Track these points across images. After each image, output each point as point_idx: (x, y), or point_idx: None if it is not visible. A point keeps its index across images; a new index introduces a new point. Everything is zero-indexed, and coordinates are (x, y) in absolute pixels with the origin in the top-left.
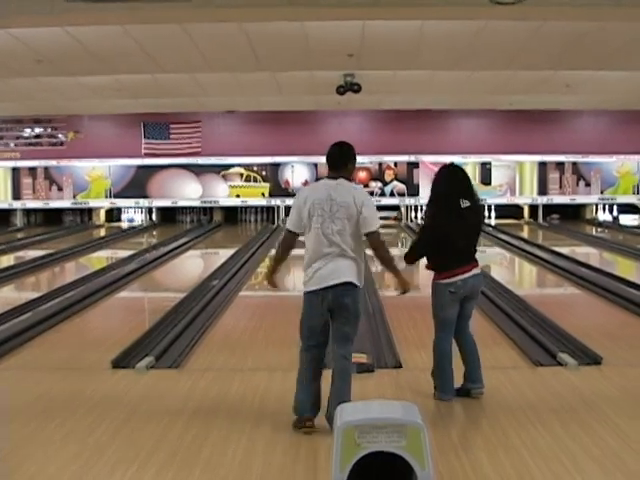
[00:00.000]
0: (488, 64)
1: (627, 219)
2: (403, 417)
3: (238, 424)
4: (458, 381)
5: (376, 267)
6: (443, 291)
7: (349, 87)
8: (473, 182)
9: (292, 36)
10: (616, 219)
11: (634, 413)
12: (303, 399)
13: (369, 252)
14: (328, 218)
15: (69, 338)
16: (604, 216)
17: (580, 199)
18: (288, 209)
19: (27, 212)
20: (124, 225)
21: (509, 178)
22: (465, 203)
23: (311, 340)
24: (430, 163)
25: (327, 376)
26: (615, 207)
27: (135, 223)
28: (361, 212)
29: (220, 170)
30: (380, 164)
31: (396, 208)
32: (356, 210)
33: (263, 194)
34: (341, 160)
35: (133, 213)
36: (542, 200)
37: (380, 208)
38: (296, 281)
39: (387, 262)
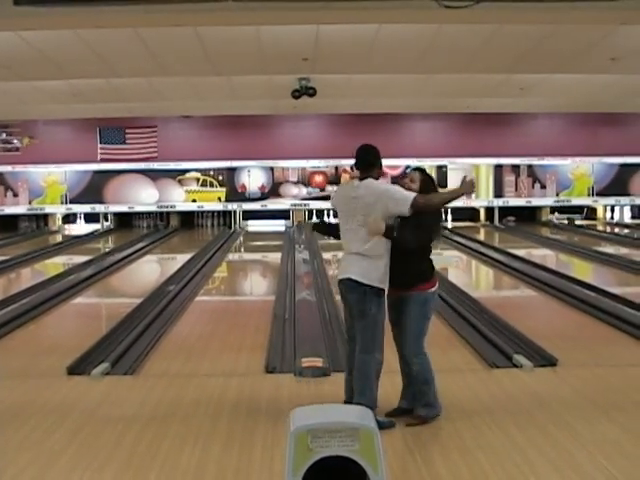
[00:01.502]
0: (443, 68)
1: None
2: (356, 421)
3: (193, 429)
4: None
5: (333, 270)
6: (433, 300)
7: (304, 91)
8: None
9: (246, 40)
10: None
11: (589, 415)
12: (345, 389)
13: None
14: (346, 216)
15: (23, 345)
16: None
17: (536, 201)
18: (244, 213)
19: None
20: (81, 231)
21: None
22: None
23: (349, 331)
24: (386, 167)
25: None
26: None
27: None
28: (386, 203)
29: (176, 175)
30: (336, 167)
31: None
32: (378, 204)
33: (220, 199)
34: (364, 161)
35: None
36: (498, 202)
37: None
38: (253, 286)
39: (447, 200)
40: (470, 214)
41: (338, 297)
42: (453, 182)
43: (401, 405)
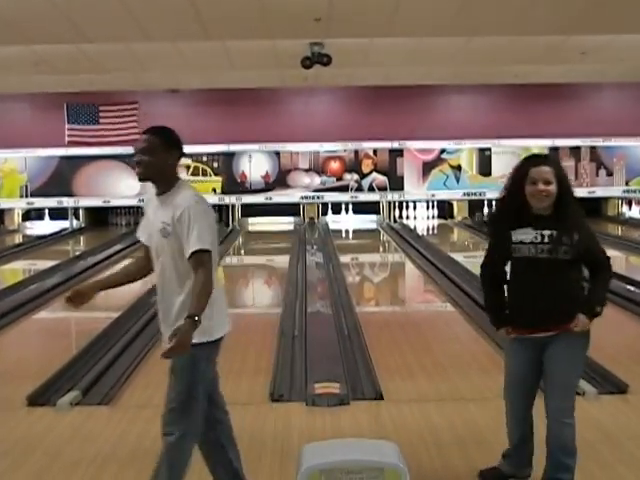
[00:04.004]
0: (485, 28)
1: None
2: (380, 459)
3: None
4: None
5: (352, 276)
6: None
7: (317, 59)
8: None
9: None
10: None
11: None
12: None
13: None
14: None
15: None
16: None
17: (600, 191)
18: (245, 208)
19: None
20: (45, 230)
21: (513, 168)
22: None
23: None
24: (417, 151)
25: None
26: None
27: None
28: None
29: None
30: (356, 152)
31: (376, 204)
32: None
33: (214, 190)
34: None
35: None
36: None
37: (358, 205)
38: (256, 296)
39: None
40: None
41: (358, 309)
42: (498, 169)
43: (502, 469)
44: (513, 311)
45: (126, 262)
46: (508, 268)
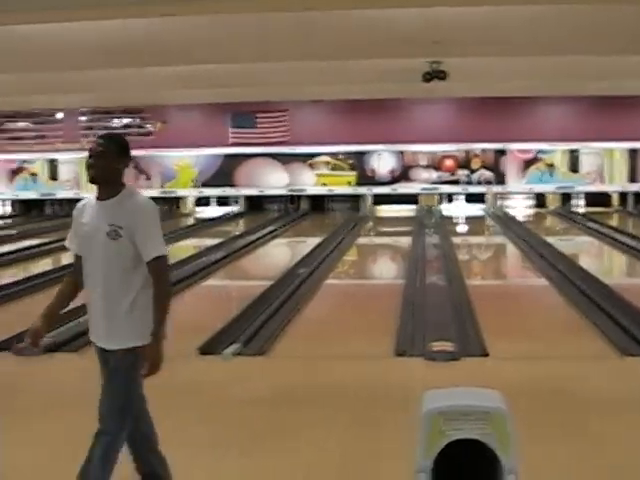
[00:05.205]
0: (584, 49)
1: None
2: (488, 404)
3: (322, 413)
4: None
5: (463, 254)
6: None
7: (435, 74)
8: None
9: (376, 23)
10: None
11: None
12: None
13: None
14: None
15: None
16: None
17: None
18: (375, 197)
19: None
20: (212, 214)
21: (597, 166)
22: None
23: None
24: (517, 151)
25: None
26: None
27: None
28: None
29: (307, 159)
30: (467, 152)
31: (482, 195)
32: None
33: (349, 183)
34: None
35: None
36: (632, 188)
37: (468, 195)
38: (382, 270)
39: None
40: (603, 199)
41: (467, 282)
42: (585, 167)
43: None
44: None
45: (277, 241)
46: None
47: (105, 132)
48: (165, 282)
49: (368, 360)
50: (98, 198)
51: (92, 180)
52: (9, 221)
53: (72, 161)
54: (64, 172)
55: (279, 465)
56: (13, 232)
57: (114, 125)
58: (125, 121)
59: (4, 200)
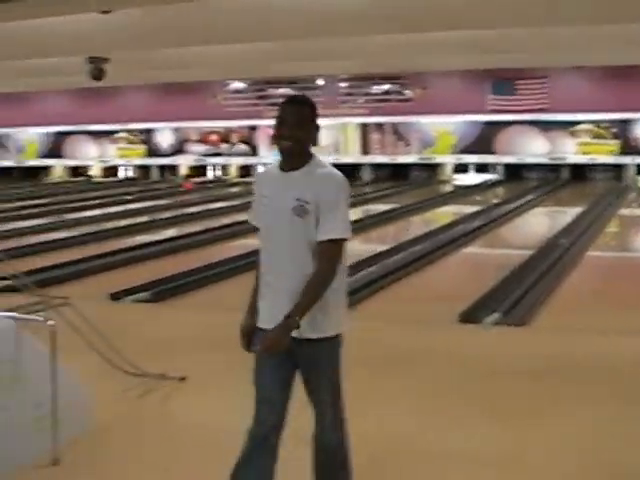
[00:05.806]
0: None
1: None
2: None
3: (585, 389)
4: None
5: None
6: None
7: None
8: None
9: None
10: None
11: None
12: None
13: None
14: None
15: (414, 292)
16: None
17: None
18: (639, 167)
19: (375, 167)
20: (471, 181)
21: None
22: None
23: None
24: None
25: None
26: None
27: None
28: None
29: (568, 127)
30: None
31: None
32: None
33: (612, 152)
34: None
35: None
36: None
37: None
38: None
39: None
40: None
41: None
42: None
43: None
44: None
45: (537, 210)
46: None
47: (291, 95)
48: (330, 270)
49: (630, 337)
50: (282, 168)
51: (287, 151)
52: None
53: (332, 127)
54: (324, 138)
55: (533, 438)
56: None
57: (373, 91)
58: (385, 87)
59: (266, 165)
